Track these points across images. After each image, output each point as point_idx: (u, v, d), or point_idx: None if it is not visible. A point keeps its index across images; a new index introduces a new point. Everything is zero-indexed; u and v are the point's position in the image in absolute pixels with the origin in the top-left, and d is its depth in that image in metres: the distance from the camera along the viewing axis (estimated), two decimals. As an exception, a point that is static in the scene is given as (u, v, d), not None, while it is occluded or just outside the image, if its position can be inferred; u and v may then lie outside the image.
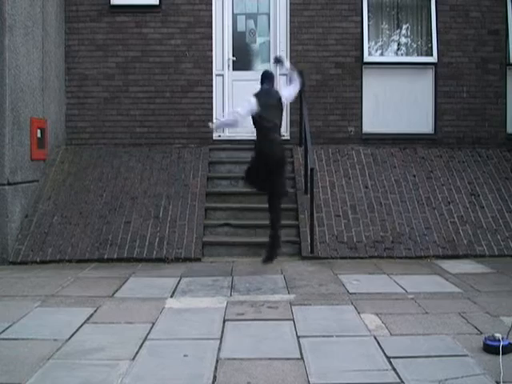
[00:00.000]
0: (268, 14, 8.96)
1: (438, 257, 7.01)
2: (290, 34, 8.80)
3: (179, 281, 5.98)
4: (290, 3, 8.80)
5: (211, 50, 8.81)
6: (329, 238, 7.22)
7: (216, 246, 7.23)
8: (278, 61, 6.86)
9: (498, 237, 7.28)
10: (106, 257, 6.92)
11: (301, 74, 8.44)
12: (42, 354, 3.89)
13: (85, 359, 3.80)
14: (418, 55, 9.04)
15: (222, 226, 7.46)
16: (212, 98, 8.85)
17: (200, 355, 3.85)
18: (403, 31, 9.09)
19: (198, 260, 6.95)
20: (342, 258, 6.97)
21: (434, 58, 8.85)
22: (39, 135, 7.78)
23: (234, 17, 8.97)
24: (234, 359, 3.78)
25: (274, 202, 6.42)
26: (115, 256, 6.93)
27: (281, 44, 8.88)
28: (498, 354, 3.69)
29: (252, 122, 6.28)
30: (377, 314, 4.75)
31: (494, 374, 3.48)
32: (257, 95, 6.24)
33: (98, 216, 7.44)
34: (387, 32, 9.09)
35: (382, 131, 8.85)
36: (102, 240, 7.13)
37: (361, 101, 8.85)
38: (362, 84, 8.84)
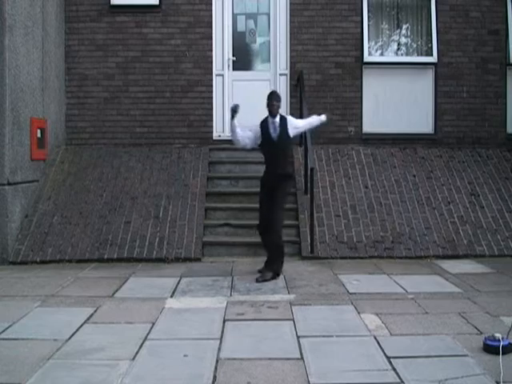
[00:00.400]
0: (268, 14, 8.96)
1: (438, 257, 7.01)
2: (290, 33, 8.80)
3: (179, 281, 5.98)
4: (290, 3, 8.80)
5: (211, 50, 8.81)
6: (329, 238, 7.22)
7: (216, 246, 7.23)
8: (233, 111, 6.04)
9: (498, 237, 7.28)
10: (106, 257, 6.92)
11: (300, 74, 8.51)
12: (42, 354, 3.89)
13: (85, 359, 3.80)
14: (417, 55, 9.04)
15: (222, 226, 7.46)
16: (212, 97, 8.85)
17: (200, 355, 3.85)
18: (403, 31, 9.09)
19: (198, 260, 6.95)
20: (342, 258, 6.97)
21: (433, 58, 8.85)
22: (39, 135, 7.78)
23: (234, 17, 8.97)
24: (234, 359, 3.78)
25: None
26: (115, 256, 6.93)
27: (281, 44, 8.88)
28: (498, 353, 3.69)
29: None
30: (377, 314, 4.75)
31: (494, 374, 3.48)
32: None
33: (97, 216, 7.44)
34: (387, 32, 9.09)
35: (381, 131, 8.85)
36: (101, 240, 7.13)
37: (361, 101, 8.84)
38: (362, 84, 8.84)
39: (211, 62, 8.82)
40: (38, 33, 7.78)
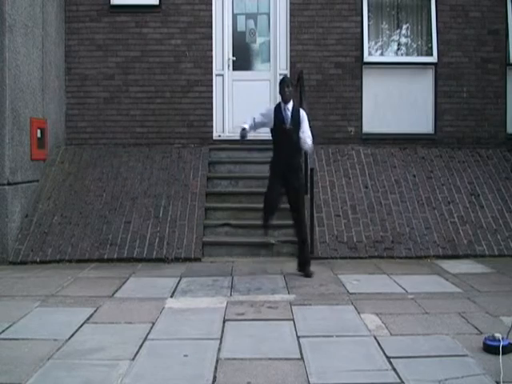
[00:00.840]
0: (268, 14, 8.96)
1: (438, 257, 7.01)
2: (290, 33, 8.80)
3: (179, 281, 5.98)
4: (290, 3, 8.80)
5: (211, 50, 8.81)
6: (329, 238, 7.22)
7: (216, 246, 7.23)
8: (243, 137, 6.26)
9: (498, 237, 7.28)
10: (106, 257, 6.92)
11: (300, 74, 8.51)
12: (42, 354, 3.89)
13: (85, 359, 3.80)
14: (418, 55, 9.04)
15: (222, 226, 7.45)
16: (212, 97, 8.84)
17: (200, 355, 3.85)
18: (403, 31, 9.09)
19: (198, 260, 6.95)
20: (342, 258, 6.97)
21: (433, 58, 8.85)
22: (39, 135, 7.78)
23: (234, 17, 8.97)
24: (234, 359, 3.78)
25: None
26: (115, 256, 6.93)
27: (281, 44, 8.88)
28: (498, 354, 3.69)
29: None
30: (377, 314, 4.75)
31: (494, 374, 3.48)
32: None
33: (97, 216, 7.44)
34: (387, 32, 9.09)
35: (381, 131, 8.85)
36: (101, 240, 7.13)
37: (361, 101, 8.84)
38: (362, 84, 8.84)
39: (211, 62, 8.82)
40: (37, 33, 7.78)
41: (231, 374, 3.54)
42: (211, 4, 8.79)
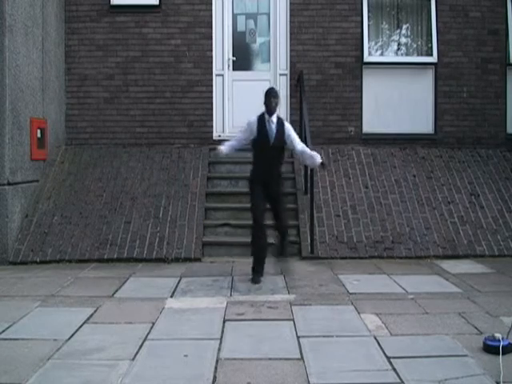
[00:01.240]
0: (268, 14, 8.96)
1: (438, 257, 7.01)
2: (290, 33, 8.80)
3: (179, 281, 5.98)
4: (290, 3, 8.80)
5: (211, 50, 8.81)
6: (329, 238, 7.22)
7: (216, 246, 7.23)
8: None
9: (498, 237, 7.28)
10: (106, 257, 6.92)
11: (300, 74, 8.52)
12: (42, 354, 3.89)
13: (85, 359, 3.80)
14: (418, 55, 9.04)
15: (222, 226, 7.45)
16: (212, 97, 8.85)
17: (200, 355, 3.85)
18: (403, 31, 9.09)
19: (197, 260, 6.95)
20: (341, 258, 6.97)
21: (433, 58, 8.85)
22: (39, 135, 7.78)
23: (234, 17, 8.97)
24: (234, 359, 3.78)
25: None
26: (115, 256, 6.93)
27: (281, 44, 8.88)
28: (498, 353, 3.69)
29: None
30: (377, 314, 4.75)
31: (494, 374, 3.48)
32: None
33: (97, 216, 7.44)
34: (387, 32, 9.09)
35: (381, 131, 8.85)
36: (102, 240, 7.13)
37: (361, 101, 8.84)
38: (361, 84, 8.84)
39: (211, 62, 8.82)
40: (37, 33, 7.78)
41: (231, 374, 3.54)
42: (211, 4, 8.79)
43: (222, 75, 8.93)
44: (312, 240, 7.02)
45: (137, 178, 8.04)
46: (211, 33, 8.80)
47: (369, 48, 8.86)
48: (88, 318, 4.70)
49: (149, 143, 8.73)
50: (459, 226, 7.40)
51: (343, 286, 5.74)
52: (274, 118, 5.84)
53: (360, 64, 8.81)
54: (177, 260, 6.91)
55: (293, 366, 3.65)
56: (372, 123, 8.87)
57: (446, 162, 8.47)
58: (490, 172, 8.29)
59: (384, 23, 9.06)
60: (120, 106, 8.79)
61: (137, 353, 3.91)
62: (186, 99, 8.80)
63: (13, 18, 7.04)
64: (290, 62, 8.85)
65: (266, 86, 8.68)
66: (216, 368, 3.64)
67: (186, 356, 3.84)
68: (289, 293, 5.49)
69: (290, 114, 8.81)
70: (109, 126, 8.80)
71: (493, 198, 7.84)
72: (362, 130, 8.84)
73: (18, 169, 7.22)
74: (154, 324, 4.54)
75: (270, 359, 3.77)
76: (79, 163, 8.32)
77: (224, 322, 4.59)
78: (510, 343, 3.83)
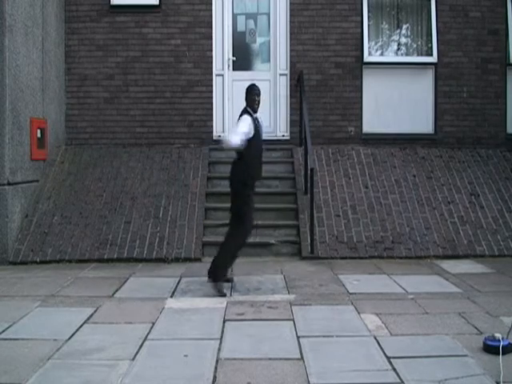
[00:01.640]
0: (268, 14, 8.95)
1: (437, 257, 7.01)
2: (290, 33, 8.79)
3: (179, 281, 5.98)
4: (290, 3, 8.79)
5: (211, 50, 8.81)
6: (329, 238, 7.21)
7: (216, 246, 7.14)
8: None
9: (498, 237, 7.28)
10: (106, 257, 6.92)
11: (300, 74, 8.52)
12: (42, 354, 3.89)
13: (85, 359, 3.80)
14: (418, 55, 9.04)
15: (222, 226, 7.41)
16: (212, 97, 8.84)
17: (200, 355, 3.85)
18: (403, 31, 9.09)
19: (198, 260, 6.95)
20: (341, 258, 6.97)
21: (433, 58, 8.85)
22: (39, 135, 7.78)
23: (234, 17, 8.96)
24: (234, 359, 3.78)
25: None
26: (115, 256, 6.93)
27: (281, 44, 8.88)
28: (498, 354, 3.69)
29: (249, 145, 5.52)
30: (377, 314, 4.75)
31: (494, 374, 3.48)
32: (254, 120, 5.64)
33: (97, 216, 7.44)
34: (387, 32, 9.09)
35: (381, 131, 8.85)
36: (102, 240, 7.13)
37: (361, 101, 8.84)
38: (361, 84, 8.84)
39: (211, 62, 8.82)
40: (37, 33, 7.78)
41: (231, 374, 3.54)
42: (211, 4, 8.79)
43: (222, 75, 8.92)
44: (312, 240, 7.02)
45: (137, 178, 8.04)
46: (211, 33, 8.80)
47: (369, 48, 8.86)
48: (88, 318, 4.70)
49: (149, 143, 8.73)
50: (459, 226, 7.40)
51: (343, 286, 5.74)
52: (258, 115, 5.74)
53: (360, 64, 8.81)
54: (177, 260, 6.91)
55: (293, 366, 3.65)
56: (372, 123, 8.87)
57: (446, 162, 8.47)
58: (490, 172, 8.29)
59: (384, 23, 9.06)
60: (120, 106, 8.79)
61: (137, 353, 3.91)
62: (185, 99, 8.80)
63: (13, 18, 7.04)
64: (290, 61, 8.85)
65: (266, 85, 8.78)
66: (216, 368, 3.64)
67: (185, 356, 3.84)
68: (289, 293, 5.49)
69: (290, 114, 8.81)
70: (109, 125, 8.80)
71: (493, 198, 7.84)
72: (361, 130, 8.84)
73: (18, 169, 7.22)
74: (153, 324, 4.54)
75: (269, 359, 3.77)
76: (79, 163, 8.32)
77: (224, 322, 4.59)
78: (510, 343, 3.83)
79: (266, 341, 4.13)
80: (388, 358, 3.78)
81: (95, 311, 4.90)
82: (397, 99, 8.90)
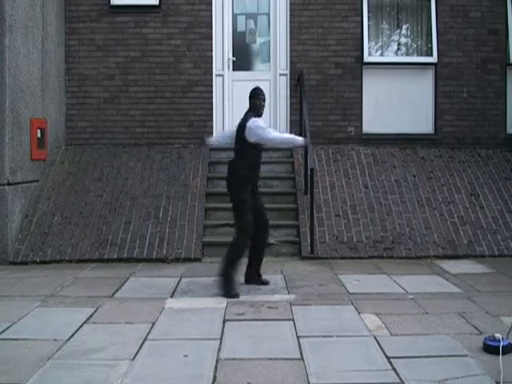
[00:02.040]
0: (268, 14, 8.96)
1: (438, 257, 7.01)
2: (290, 33, 8.80)
3: (179, 281, 5.98)
4: (290, 3, 8.80)
5: (211, 50, 8.81)
6: (329, 238, 7.22)
7: (216, 246, 7.21)
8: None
9: (498, 237, 7.28)
10: (106, 257, 6.93)
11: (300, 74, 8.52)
12: (42, 354, 3.89)
13: (85, 359, 3.80)
14: (417, 55, 9.04)
15: (222, 226, 7.44)
16: (212, 98, 8.85)
17: (200, 355, 3.85)
18: (403, 31, 9.09)
19: (198, 260, 6.95)
20: (342, 258, 6.97)
21: (433, 58, 8.85)
22: (39, 135, 7.78)
23: (234, 17, 8.96)
24: (234, 359, 3.78)
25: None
26: (115, 256, 6.93)
27: (281, 44, 8.88)
28: (498, 354, 3.69)
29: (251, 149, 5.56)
30: (377, 314, 4.75)
31: (494, 374, 3.48)
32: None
33: (98, 216, 7.44)
34: (387, 32, 9.09)
35: (381, 131, 8.85)
36: (102, 240, 7.13)
37: (361, 101, 8.84)
38: (361, 84, 8.84)
39: (211, 62, 8.82)
40: (37, 33, 7.78)
41: (231, 374, 3.54)
42: (211, 4, 8.79)
43: (222, 75, 8.93)
44: (312, 240, 7.02)
45: (137, 178, 8.04)
46: (211, 33, 8.80)
47: (369, 48, 8.86)
48: (88, 318, 4.70)
49: (149, 143, 8.73)
50: (459, 226, 7.40)
51: (343, 285, 5.74)
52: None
53: (360, 64, 8.81)
54: (177, 260, 6.91)
55: (293, 366, 3.65)
56: (372, 123, 8.87)
57: (446, 162, 8.47)
58: (490, 172, 8.30)
59: (384, 23, 9.06)
60: (120, 106, 8.79)
61: (137, 353, 3.91)
62: (185, 99, 8.80)
63: (13, 18, 7.04)
64: (290, 62, 8.85)
65: (266, 86, 8.79)
66: (216, 368, 3.64)
67: (185, 356, 3.84)
68: (289, 293, 5.49)
69: (290, 114, 8.81)
70: (109, 126, 8.80)
71: (493, 198, 7.84)
72: (362, 130, 8.85)
73: (18, 169, 7.22)
74: (153, 324, 4.54)
75: (269, 359, 3.77)
76: (79, 163, 8.32)
77: (224, 322, 4.59)
78: (510, 343, 3.83)
79: (266, 341, 4.13)
80: (388, 358, 3.78)
81: (95, 311, 4.90)
82: (397, 99, 8.90)
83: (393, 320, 4.59)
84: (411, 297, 5.30)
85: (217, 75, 8.91)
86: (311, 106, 8.54)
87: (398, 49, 9.12)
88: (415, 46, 9.10)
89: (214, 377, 3.50)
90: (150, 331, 4.37)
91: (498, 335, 3.88)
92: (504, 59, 8.88)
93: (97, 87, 8.79)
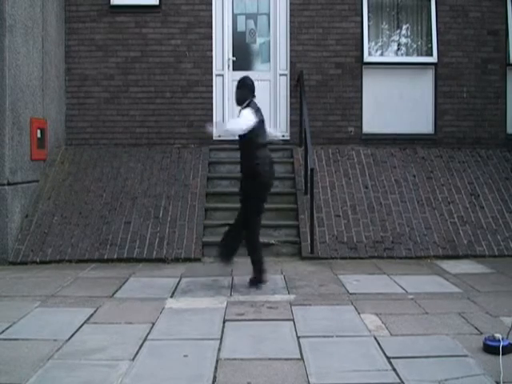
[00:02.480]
0: (268, 14, 8.96)
1: (437, 257, 7.01)
2: (290, 33, 8.80)
3: (179, 281, 5.98)
4: (290, 3, 8.80)
5: (211, 50, 8.81)
6: (329, 238, 7.22)
7: (216, 246, 7.19)
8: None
9: (498, 237, 7.28)
10: (106, 257, 6.92)
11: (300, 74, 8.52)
12: (42, 354, 3.89)
13: (85, 359, 3.80)
14: (417, 55, 9.04)
15: (222, 226, 7.42)
16: (212, 98, 8.85)
17: (200, 355, 3.85)
18: (403, 31, 9.09)
19: (197, 260, 6.95)
20: (342, 258, 6.97)
21: (433, 58, 8.85)
22: (39, 135, 7.78)
23: (234, 17, 8.96)
24: (234, 359, 3.78)
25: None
26: (115, 256, 6.93)
27: (281, 44, 8.88)
28: (498, 354, 3.69)
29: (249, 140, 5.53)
30: (377, 315, 4.75)
31: (494, 374, 3.48)
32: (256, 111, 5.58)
33: (98, 216, 7.44)
34: (387, 32, 9.09)
35: (382, 131, 8.85)
36: (102, 240, 7.13)
37: (361, 101, 8.85)
38: (361, 84, 8.84)
39: (211, 62, 8.82)
40: (37, 33, 7.78)
41: (231, 374, 3.54)
42: (211, 4, 8.79)
43: (222, 75, 8.93)
44: (312, 240, 7.02)
45: (137, 178, 8.04)
46: (211, 33, 8.80)
47: (369, 48, 8.86)
48: (88, 318, 4.70)
49: (149, 143, 8.73)
50: (459, 226, 7.40)
51: (343, 286, 5.74)
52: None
53: (360, 64, 8.81)
54: (177, 260, 6.91)
55: (293, 366, 3.65)
56: (372, 123, 8.87)
57: (446, 162, 8.47)
58: (490, 172, 8.29)
59: (384, 23, 9.06)
60: (120, 106, 8.79)
61: (137, 353, 3.91)
62: (185, 99, 8.80)
63: (13, 18, 7.04)
64: (290, 62, 8.86)
65: (267, 86, 8.80)
66: (216, 368, 3.64)
67: (185, 356, 3.84)
68: (289, 293, 5.49)
69: (290, 114, 8.81)
70: (109, 126, 8.80)
71: (493, 198, 7.84)
72: (361, 130, 8.85)
73: (18, 169, 7.22)
74: (153, 324, 4.54)
75: (269, 359, 3.77)
76: (79, 163, 8.32)
77: (224, 322, 4.59)
78: (510, 343, 3.83)
79: (266, 341, 4.13)
80: (388, 358, 3.78)
81: (95, 311, 4.90)
82: (397, 99, 8.90)
83: (393, 320, 4.59)
84: (411, 297, 5.30)
85: (217, 75, 8.91)
86: (311, 106, 8.53)
87: (398, 49, 9.12)
88: (415, 46, 9.10)
89: (214, 377, 3.50)
90: (150, 331, 4.37)
91: (498, 335, 3.88)
92: (504, 59, 8.88)
93: (97, 87, 8.79)
